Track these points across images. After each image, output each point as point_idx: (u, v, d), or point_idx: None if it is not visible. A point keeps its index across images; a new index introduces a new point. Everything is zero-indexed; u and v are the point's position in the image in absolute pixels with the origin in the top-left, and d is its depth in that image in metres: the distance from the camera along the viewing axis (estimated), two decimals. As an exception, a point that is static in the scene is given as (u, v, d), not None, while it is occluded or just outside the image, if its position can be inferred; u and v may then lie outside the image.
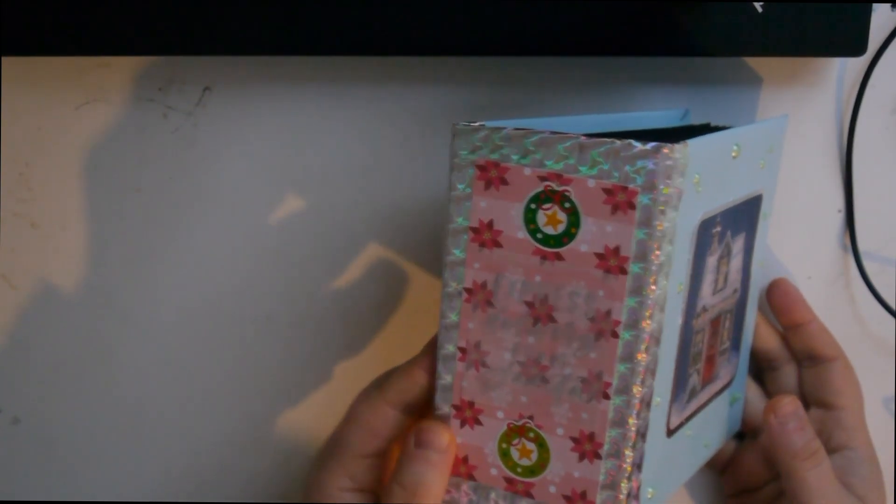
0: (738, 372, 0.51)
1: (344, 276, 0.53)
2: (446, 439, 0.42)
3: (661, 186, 0.38)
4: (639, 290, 0.39)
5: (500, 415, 0.43)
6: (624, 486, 0.40)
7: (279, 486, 0.55)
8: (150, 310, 0.51)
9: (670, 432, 0.43)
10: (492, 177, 0.41)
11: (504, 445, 0.43)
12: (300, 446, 0.54)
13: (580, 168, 0.39)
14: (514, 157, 0.41)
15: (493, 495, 0.43)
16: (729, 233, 0.45)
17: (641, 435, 0.40)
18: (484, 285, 0.42)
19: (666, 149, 0.37)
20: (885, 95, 0.56)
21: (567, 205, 0.40)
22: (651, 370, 0.40)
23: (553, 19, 0.48)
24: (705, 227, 0.42)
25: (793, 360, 0.54)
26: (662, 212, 0.38)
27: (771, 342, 0.54)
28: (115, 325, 0.51)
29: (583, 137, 0.39)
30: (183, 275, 0.51)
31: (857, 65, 0.56)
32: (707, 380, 0.47)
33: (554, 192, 0.40)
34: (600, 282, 0.40)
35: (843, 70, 0.56)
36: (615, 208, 0.39)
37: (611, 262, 0.39)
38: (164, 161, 0.49)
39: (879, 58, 0.55)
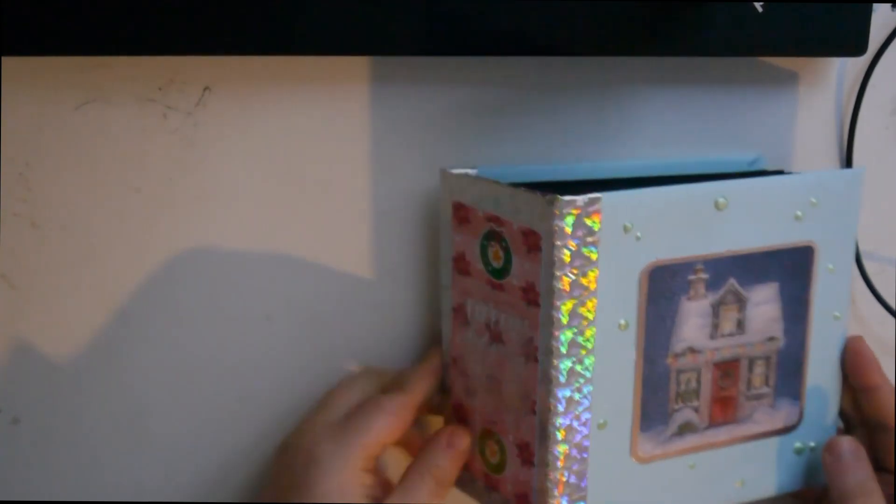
0: (803, 421, 0.51)
1: (344, 275, 0.53)
2: (468, 442, 0.49)
3: (559, 232, 0.42)
4: (549, 322, 0.43)
5: (477, 417, 0.49)
6: (555, 493, 0.45)
7: (279, 486, 0.55)
8: (150, 310, 0.51)
9: (644, 459, 0.47)
10: (461, 216, 0.48)
11: (481, 444, 0.49)
12: (300, 446, 0.54)
13: (509, 213, 0.45)
14: (472, 200, 0.47)
15: (477, 485, 0.50)
16: (733, 280, 0.47)
17: (579, 451, 0.45)
18: (462, 307, 0.49)
19: (565, 200, 0.42)
20: (885, 95, 0.56)
21: (503, 244, 0.45)
22: (575, 394, 0.44)
23: (553, 19, 0.48)
24: (673, 273, 0.46)
25: (865, 423, 0.52)
26: (568, 254, 0.43)
27: (843, 402, 0.52)
28: (115, 325, 0.51)
29: (511, 187, 0.44)
30: (183, 275, 0.51)
31: (857, 65, 0.56)
32: (721, 420, 0.49)
33: (495, 232, 0.46)
34: (525, 311, 0.45)
35: (843, 70, 0.56)
36: (529, 249, 0.44)
37: (530, 295, 0.44)
38: (164, 161, 0.49)
39: (879, 58, 0.55)
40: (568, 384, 0.44)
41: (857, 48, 0.52)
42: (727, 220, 0.46)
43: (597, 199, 0.43)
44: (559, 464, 0.45)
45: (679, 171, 0.53)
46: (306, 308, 0.53)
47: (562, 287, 0.43)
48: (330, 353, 0.53)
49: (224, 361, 0.52)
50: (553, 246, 0.42)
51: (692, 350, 0.47)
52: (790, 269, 0.49)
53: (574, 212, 0.42)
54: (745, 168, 0.55)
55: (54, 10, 0.43)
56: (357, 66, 0.50)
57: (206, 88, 0.49)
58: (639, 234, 0.44)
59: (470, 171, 0.50)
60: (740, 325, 0.48)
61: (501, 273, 0.46)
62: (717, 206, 0.46)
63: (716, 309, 0.47)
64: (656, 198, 0.45)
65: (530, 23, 0.48)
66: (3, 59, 0.46)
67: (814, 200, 0.48)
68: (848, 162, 0.56)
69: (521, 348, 0.45)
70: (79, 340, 0.51)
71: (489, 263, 0.47)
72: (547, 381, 0.44)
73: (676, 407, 0.48)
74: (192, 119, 0.49)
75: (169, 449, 0.53)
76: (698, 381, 0.48)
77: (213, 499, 0.54)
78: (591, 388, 0.45)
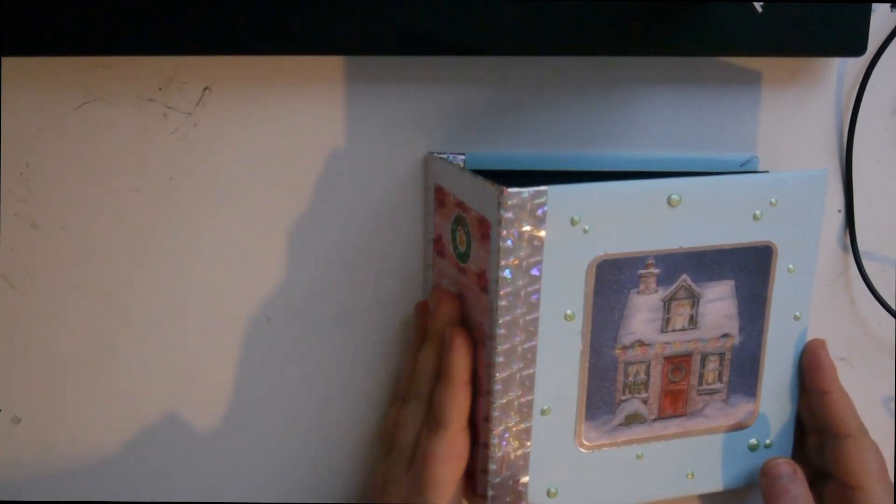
0: (758, 419, 0.52)
1: (344, 275, 0.53)
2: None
3: (503, 222, 0.43)
4: (492, 309, 0.44)
5: None
6: (496, 474, 0.46)
7: (279, 486, 0.55)
8: (150, 310, 0.51)
9: (589, 447, 0.49)
10: (439, 199, 0.49)
11: None
12: (300, 446, 0.54)
13: (470, 199, 0.46)
14: (447, 185, 0.48)
15: None
16: (686, 277, 0.48)
17: (519, 434, 0.46)
18: (439, 286, 0.51)
19: (511, 191, 0.43)
20: (885, 95, 0.56)
21: (466, 229, 0.47)
22: (514, 379, 0.45)
23: (553, 19, 0.48)
24: (621, 266, 0.46)
25: (816, 429, 0.52)
26: (512, 244, 0.43)
27: (799, 405, 0.52)
28: (115, 325, 0.51)
29: (471, 174, 0.45)
30: (183, 275, 0.51)
31: (857, 65, 0.56)
32: (671, 412, 0.50)
33: (461, 217, 0.47)
34: (478, 297, 0.46)
35: (843, 70, 0.56)
36: (483, 237, 0.45)
37: (482, 281, 0.45)
38: (164, 161, 0.49)
39: (879, 58, 0.55)
40: (507, 369, 0.45)
41: (857, 48, 0.52)
42: (680, 217, 0.47)
43: (543, 192, 0.43)
44: (500, 445, 0.46)
45: (662, 168, 0.54)
46: (306, 308, 0.53)
47: (505, 275, 0.44)
48: (330, 353, 0.53)
49: (223, 361, 0.52)
50: (499, 235, 0.43)
51: (641, 343, 0.48)
52: (747, 267, 0.49)
53: (519, 203, 0.43)
54: (737, 168, 0.55)
55: (54, 10, 0.43)
56: (357, 66, 0.50)
57: (206, 88, 0.49)
58: (587, 227, 0.45)
59: (458, 155, 0.51)
60: (692, 321, 0.49)
61: (465, 257, 0.47)
62: (669, 202, 0.46)
63: (667, 304, 0.48)
64: (605, 192, 0.45)
65: (530, 23, 0.48)
66: (3, 59, 0.46)
67: (773, 201, 0.48)
68: (848, 162, 0.56)
69: (474, 331, 0.47)
70: (79, 340, 0.51)
71: (457, 247, 0.48)
72: (489, 365, 0.45)
73: (624, 397, 0.49)
74: (192, 119, 0.49)
75: (168, 449, 0.53)
76: (647, 374, 0.49)
77: (212, 499, 0.54)
78: (531, 374, 0.46)
